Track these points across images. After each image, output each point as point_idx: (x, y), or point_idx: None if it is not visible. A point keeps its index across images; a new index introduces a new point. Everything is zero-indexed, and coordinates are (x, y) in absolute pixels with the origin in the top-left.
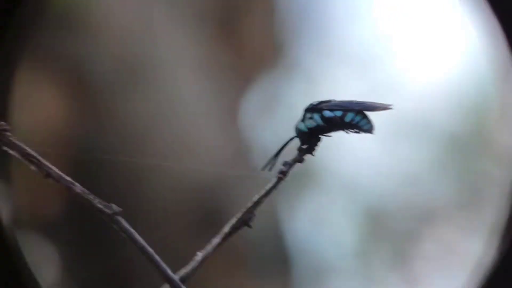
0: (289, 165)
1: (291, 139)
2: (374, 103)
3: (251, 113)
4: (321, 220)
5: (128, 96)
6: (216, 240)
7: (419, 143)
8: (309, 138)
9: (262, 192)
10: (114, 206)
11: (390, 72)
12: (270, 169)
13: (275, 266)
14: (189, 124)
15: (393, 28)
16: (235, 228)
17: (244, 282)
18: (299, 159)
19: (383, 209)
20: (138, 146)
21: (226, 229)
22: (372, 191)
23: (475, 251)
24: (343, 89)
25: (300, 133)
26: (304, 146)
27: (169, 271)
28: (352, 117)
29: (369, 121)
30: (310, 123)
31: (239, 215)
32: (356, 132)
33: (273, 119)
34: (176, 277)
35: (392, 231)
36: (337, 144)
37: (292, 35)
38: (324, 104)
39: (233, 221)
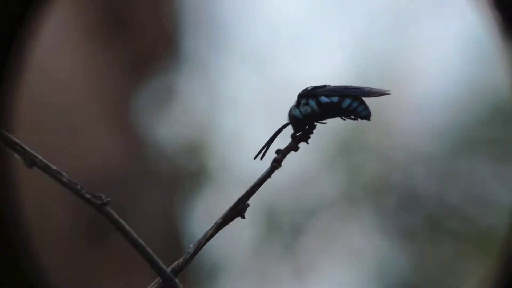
0: (283, 153)
1: (285, 126)
2: (372, 88)
3: (143, 107)
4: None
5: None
6: (209, 232)
7: (311, 144)
8: (304, 125)
9: (256, 181)
10: (103, 196)
11: (286, 71)
12: (262, 158)
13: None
14: (78, 120)
15: (289, 27)
16: (228, 219)
17: (138, 280)
18: (293, 147)
19: (276, 205)
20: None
21: (219, 219)
22: (266, 188)
23: (356, 242)
24: (238, 84)
25: (294, 120)
26: (298, 134)
27: (161, 264)
28: (350, 103)
29: (366, 107)
30: (305, 110)
31: (232, 205)
32: (353, 118)
33: (167, 112)
34: (168, 269)
35: (284, 225)
36: (233, 142)
37: (186, 29)
38: (320, 90)
39: (226, 211)
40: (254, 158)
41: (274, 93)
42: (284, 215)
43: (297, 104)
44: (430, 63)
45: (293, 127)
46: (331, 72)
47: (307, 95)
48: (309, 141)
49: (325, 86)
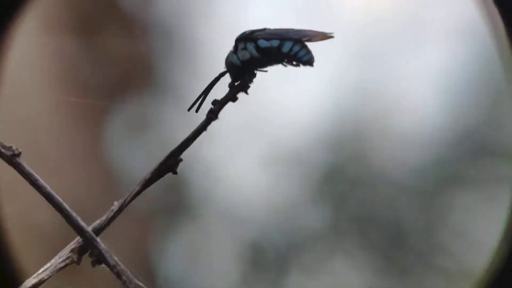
0: (220, 103)
1: (222, 74)
2: (314, 30)
3: (116, 134)
4: (199, 253)
5: None
6: (136, 188)
7: (297, 173)
8: (242, 73)
9: (190, 134)
10: (14, 147)
11: (268, 103)
12: (197, 110)
13: None
14: (47, 145)
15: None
16: (157, 174)
17: None
18: (231, 98)
19: (261, 239)
20: None
21: (148, 175)
22: (251, 221)
23: (343, 276)
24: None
25: (232, 67)
26: (237, 83)
27: (81, 222)
28: (291, 46)
29: (308, 51)
30: (243, 55)
31: (162, 160)
32: (295, 65)
33: (141, 141)
34: (89, 228)
35: (269, 260)
36: (215, 172)
37: (162, 55)
38: (258, 33)
39: (155, 166)
40: (189, 110)
41: (255, 122)
42: (270, 249)
43: (235, 50)
44: (415, 96)
45: (231, 75)
46: (313, 101)
47: (245, 38)
48: (248, 91)
49: (264, 29)
